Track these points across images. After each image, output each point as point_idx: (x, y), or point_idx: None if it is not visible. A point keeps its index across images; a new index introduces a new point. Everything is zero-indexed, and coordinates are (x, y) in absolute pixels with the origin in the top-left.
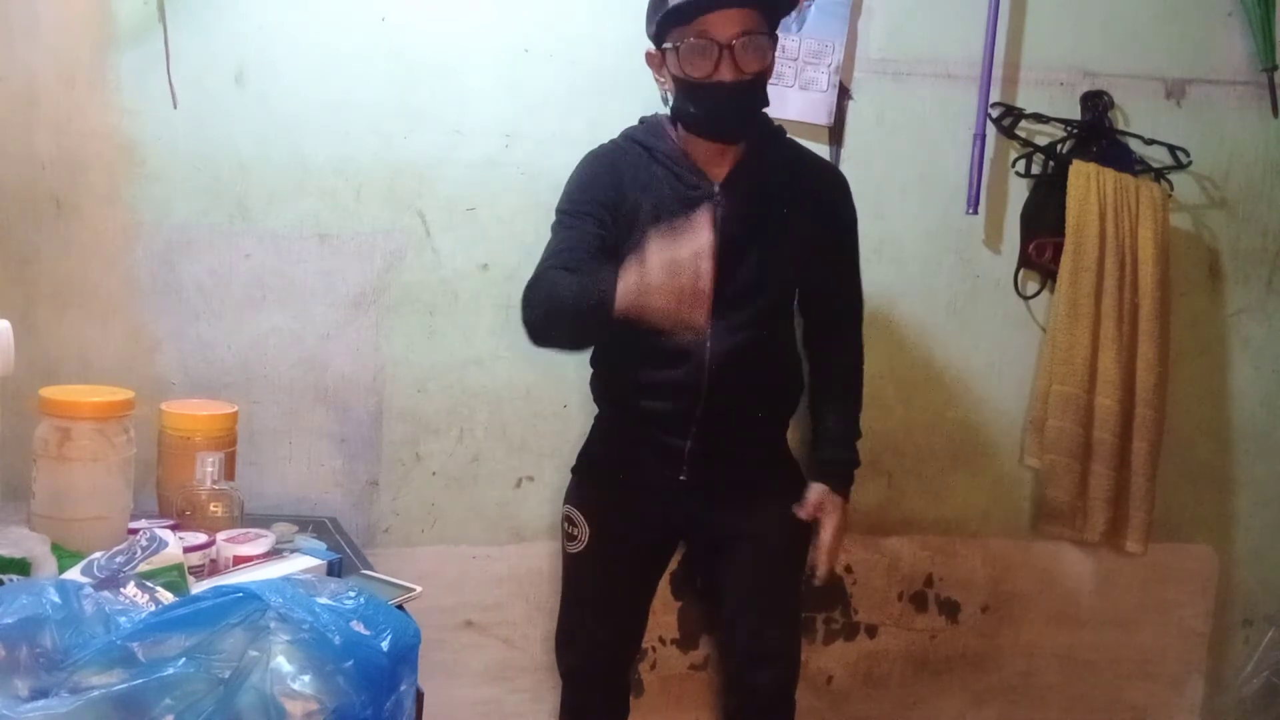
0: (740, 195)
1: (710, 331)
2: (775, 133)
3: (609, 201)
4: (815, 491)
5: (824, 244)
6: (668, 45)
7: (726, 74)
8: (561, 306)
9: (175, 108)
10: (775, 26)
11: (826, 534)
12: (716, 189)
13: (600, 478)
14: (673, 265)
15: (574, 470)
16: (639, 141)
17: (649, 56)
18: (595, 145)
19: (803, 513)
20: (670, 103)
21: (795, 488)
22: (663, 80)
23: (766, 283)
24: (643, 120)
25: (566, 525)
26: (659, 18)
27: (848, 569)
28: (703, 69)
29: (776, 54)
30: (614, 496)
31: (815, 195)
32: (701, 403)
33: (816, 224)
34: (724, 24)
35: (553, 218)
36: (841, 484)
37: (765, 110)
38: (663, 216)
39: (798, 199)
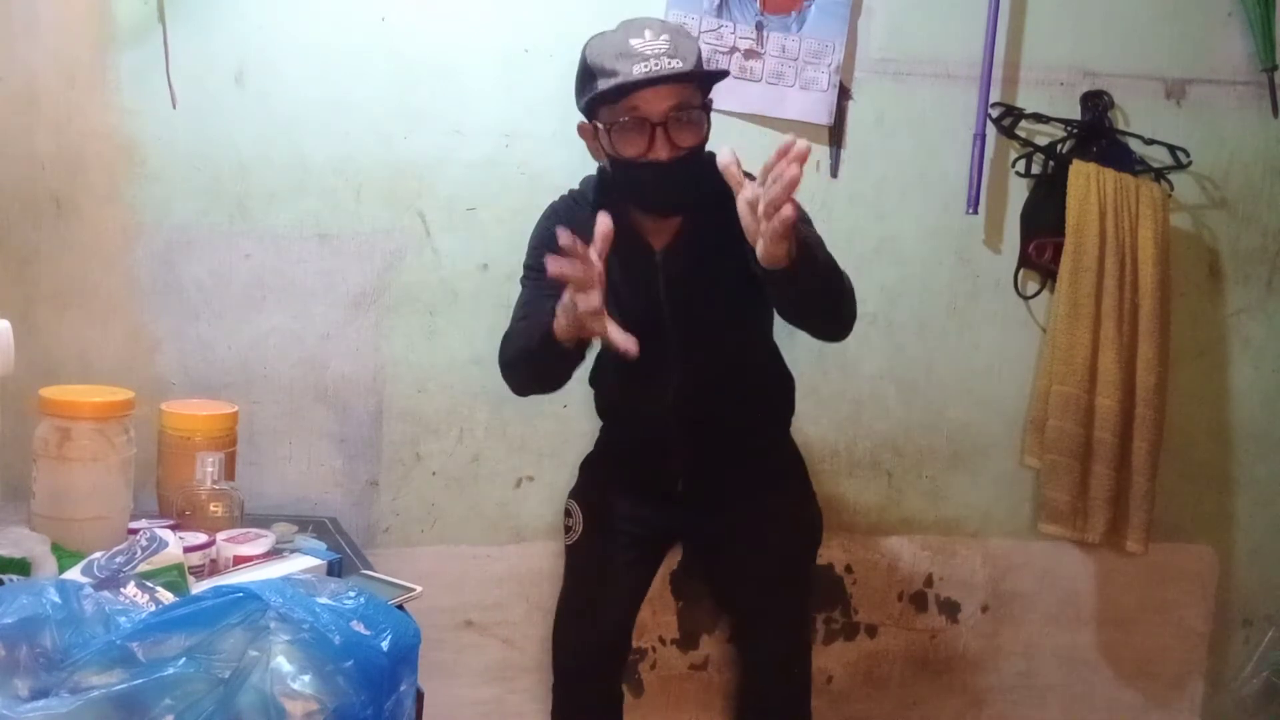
0: (684, 255)
1: (677, 371)
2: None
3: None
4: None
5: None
6: (599, 124)
7: (661, 152)
8: (522, 350)
9: (175, 108)
10: (709, 92)
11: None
12: (659, 258)
13: (602, 478)
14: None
15: (581, 467)
16: (589, 201)
17: (581, 128)
18: None
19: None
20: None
21: (800, 492)
22: (597, 153)
23: (726, 320)
24: (600, 173)
25: (565, 518)
26: (588, 97)
27: (848, 569)
28: (636, 148)
29: (778, 55)
30: (612, 495)
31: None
32: (674, 430)
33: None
34: (655, 100)
35: None
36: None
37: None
38: (608, 279)
39: (736, 227)
